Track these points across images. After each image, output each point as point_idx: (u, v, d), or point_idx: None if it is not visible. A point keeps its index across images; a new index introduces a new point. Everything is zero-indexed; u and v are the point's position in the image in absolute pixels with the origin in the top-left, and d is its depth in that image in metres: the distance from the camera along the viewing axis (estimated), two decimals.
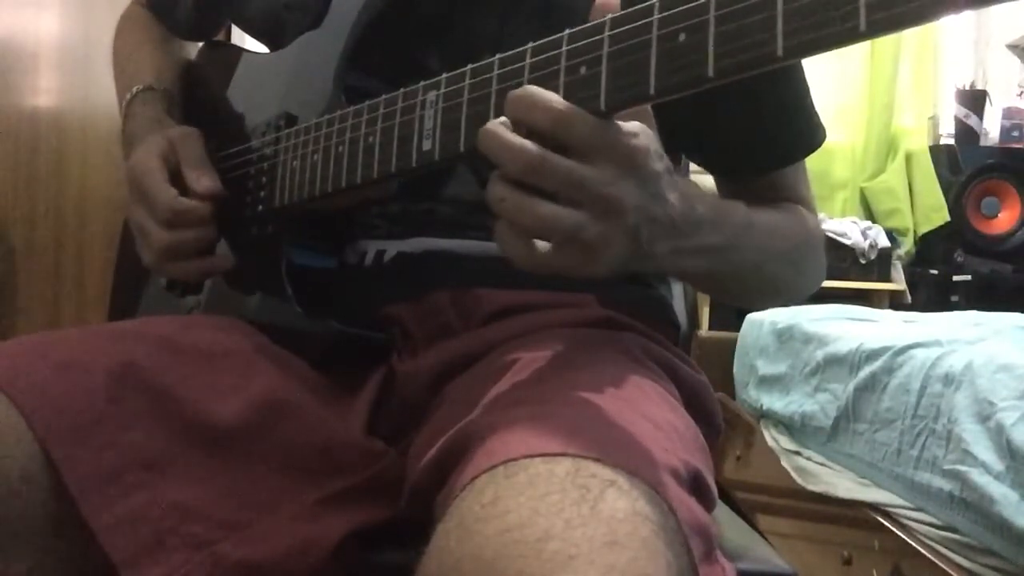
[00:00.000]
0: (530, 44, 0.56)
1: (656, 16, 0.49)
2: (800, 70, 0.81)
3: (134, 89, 0.92)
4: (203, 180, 0.79)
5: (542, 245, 0.55)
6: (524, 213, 0.53)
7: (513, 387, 0.62)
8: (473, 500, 0.48)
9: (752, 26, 0.45)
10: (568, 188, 0.53)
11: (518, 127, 0.54)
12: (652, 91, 0.50)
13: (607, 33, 0.52)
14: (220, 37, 1.05)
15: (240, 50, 0.97)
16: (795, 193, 0.82)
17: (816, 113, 0.83)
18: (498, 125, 0.54)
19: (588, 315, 0.77)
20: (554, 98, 0.53)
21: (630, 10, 0.51)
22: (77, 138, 2.02)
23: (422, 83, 0.64)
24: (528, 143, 0.52)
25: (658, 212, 0.56)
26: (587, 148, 0.53)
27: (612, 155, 0.53)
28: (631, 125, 0.54)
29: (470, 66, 0.60)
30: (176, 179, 0.80)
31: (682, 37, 0.48)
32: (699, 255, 0.62)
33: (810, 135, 0.82)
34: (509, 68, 0.57)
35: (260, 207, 0.80)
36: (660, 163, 0.56)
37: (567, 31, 0.54)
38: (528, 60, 0.56)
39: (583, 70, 0.53)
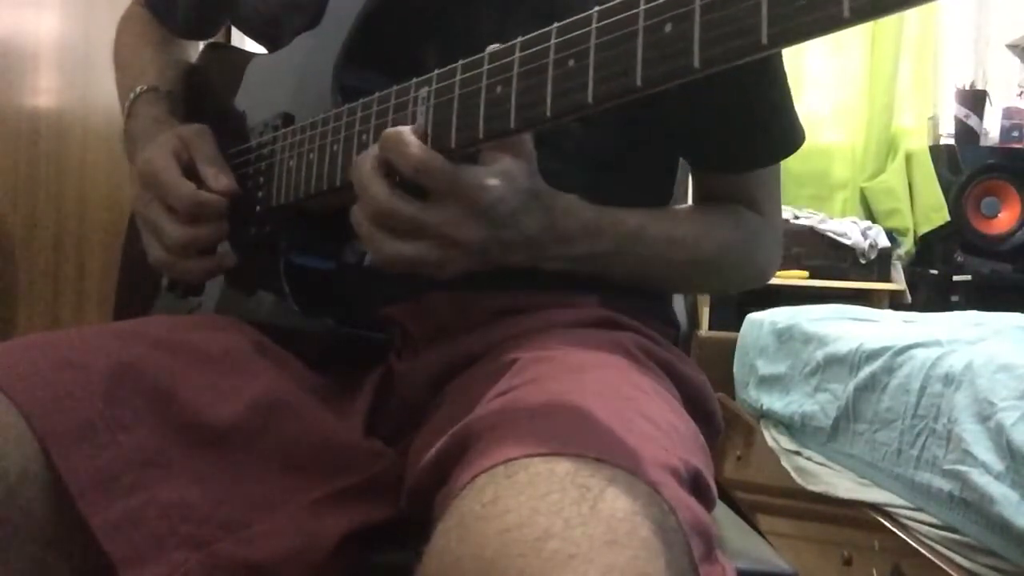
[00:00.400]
0: (519, 39, 0.56)
1: (642, 7, 0.49)
2: (782, 72, 0.81)
3: (137, 89, 0.92)
4: (221, 178, 0.79)
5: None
6: (372, 244, 0.64)
7: (513, 387, 0.62)
8: (473, 499, 0.48)
9: (737, 14, 0.45)
10: (412, 231, 0.62)
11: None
12: (639, 82, 0.50)
13: (595, 25, 0.52)
14: (219, 37, 1.05)
15: (240, 52, 0.97)
16: (750, 194, 0.84)
17: (796, 116, 0.83)
18: (367, 161, 0.63)
19: (588, 315, 0.77)
20: (415, 144, 0.61)
21: (617, 1, 0.51)
22: (77, 138, 2.01)
23: (414, 80, 0.64)
24: (381, 191, 0.62)
25: (508, 235, 0.64)
26: (440, 193, 0.62)
27: (462, 199, 0.62)
28: (489, 172, 0.62)
29: (461, 62, 0.60)
30: (188, 176, 0.80)
31: (668, 27, 0.48)
32: (566, 261, 0.72)
33: (792, 137, 0.83)
34: (498, 63, 0.57)
35: (258, 207, 0.80)
36: (515, 199, 0.63)
37: (555, 24, 0.54)
38: (517, 54, 0.56)
39: (571, 63, 0.53)
